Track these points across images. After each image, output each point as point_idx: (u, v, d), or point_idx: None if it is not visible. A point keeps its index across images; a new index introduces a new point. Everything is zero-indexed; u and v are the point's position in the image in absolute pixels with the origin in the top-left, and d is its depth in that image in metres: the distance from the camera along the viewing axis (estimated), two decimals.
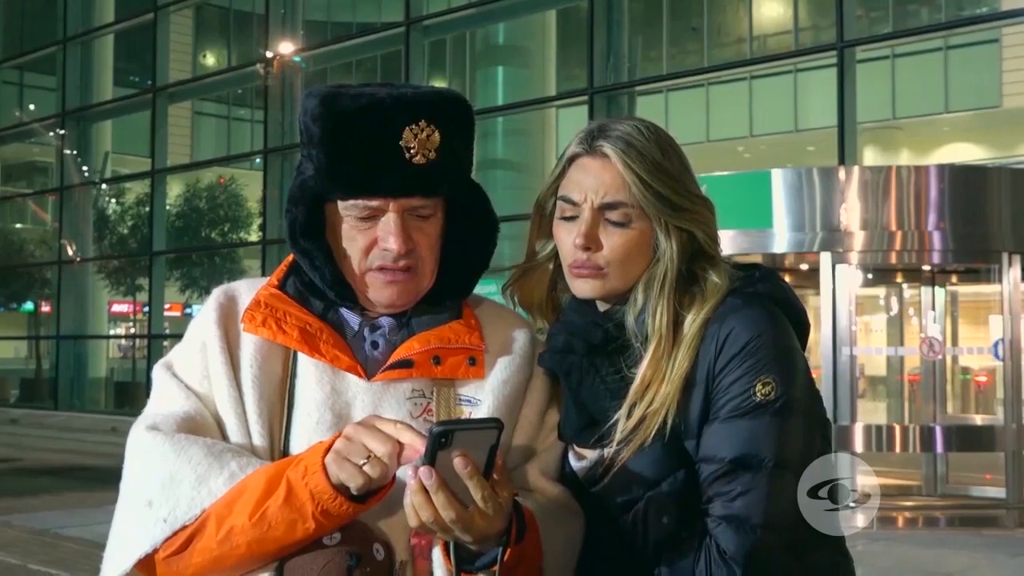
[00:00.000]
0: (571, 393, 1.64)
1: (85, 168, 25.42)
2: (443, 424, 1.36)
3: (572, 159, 1.68)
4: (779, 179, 10.00)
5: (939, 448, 10.06)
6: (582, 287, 1.67)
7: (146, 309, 25.03)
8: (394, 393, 1.62)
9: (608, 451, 1.58)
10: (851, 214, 9.80)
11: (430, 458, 1.35)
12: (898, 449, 9.97)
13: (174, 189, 26.40)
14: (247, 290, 1.72)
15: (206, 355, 1.65)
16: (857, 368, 10.32)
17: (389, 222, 1.60)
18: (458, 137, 1.63)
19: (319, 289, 1.67)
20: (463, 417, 1.63)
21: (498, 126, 18.59)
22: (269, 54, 20.01)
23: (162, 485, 1.52)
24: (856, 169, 10.81)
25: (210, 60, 32.78)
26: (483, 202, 1.74)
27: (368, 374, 1.63)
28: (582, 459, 1.63)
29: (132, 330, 31.94)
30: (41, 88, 28.03)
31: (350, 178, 1.59)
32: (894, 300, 12.23)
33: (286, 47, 20.04)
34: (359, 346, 1.67)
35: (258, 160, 21.53)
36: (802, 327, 1.64)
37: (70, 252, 25.01)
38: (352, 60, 28.41)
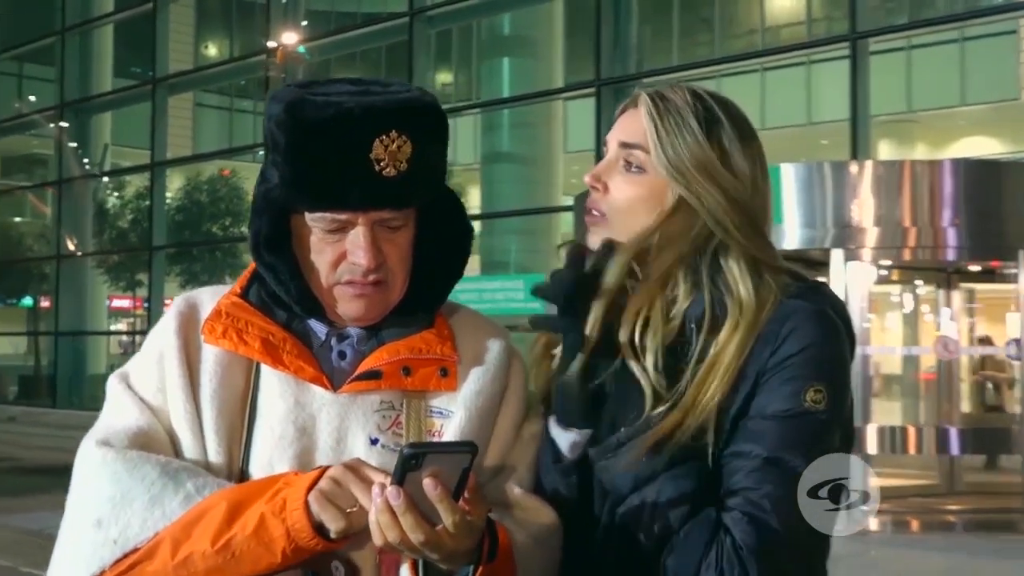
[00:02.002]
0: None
1: (86, 160, 25.44)
2: (414, 446, 1.33)
3: (620, 113, 1.68)
4: (789, 174, 9.95)
5: (954, 450, 10.01)
6: (589, 237, 1.64)
7: (146, 304, 25.04)
8: (361, 405, 1.58)
9: (622, 434, 1.54)
10: (864, 210, 9.75)
11: (399, 478, 1.32)
12: (912, 451, 9.92)
13: (175, 182, 26.42)
14: (210, 298, 1.68)
15: (163, 367, 1.61)
16: (871, 367, 10.28)
17: (358, 235, 1.55)
18: (431, 145, 1.58)
19: (313, 319, 1.64)
20: (434, 429, 1.61)
21: (504, 119, 18.52)
22: (271, 44, 19.98)
23: (113, 504, 1.48)
24: (869, 164, 10.77)
25: (212, 51, 32.81)
26: (457, 208, 1.70)
27: (335, 385, 1.59)
28: (572, 433, 1.60)
29: (133, 325, 31.99)
30: (40, 79, 28.06)
31: (316, 191, 1.54)
32: (908, 298, 12.18)
33: (289, 37, 20.02)
34: (326, 356, 1.63)
35: (260, 153, 21.48)
36: (853, 342, 1.60)
37: (71, 246, 25.04)
38: (356, 51, 28.41)
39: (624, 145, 1.62)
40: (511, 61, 18.45)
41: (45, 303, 28.21)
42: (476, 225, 24.09)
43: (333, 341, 1.64)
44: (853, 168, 10.37)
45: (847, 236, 9.67)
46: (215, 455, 1.56)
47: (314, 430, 1.57)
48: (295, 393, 1.58)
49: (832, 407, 1.50)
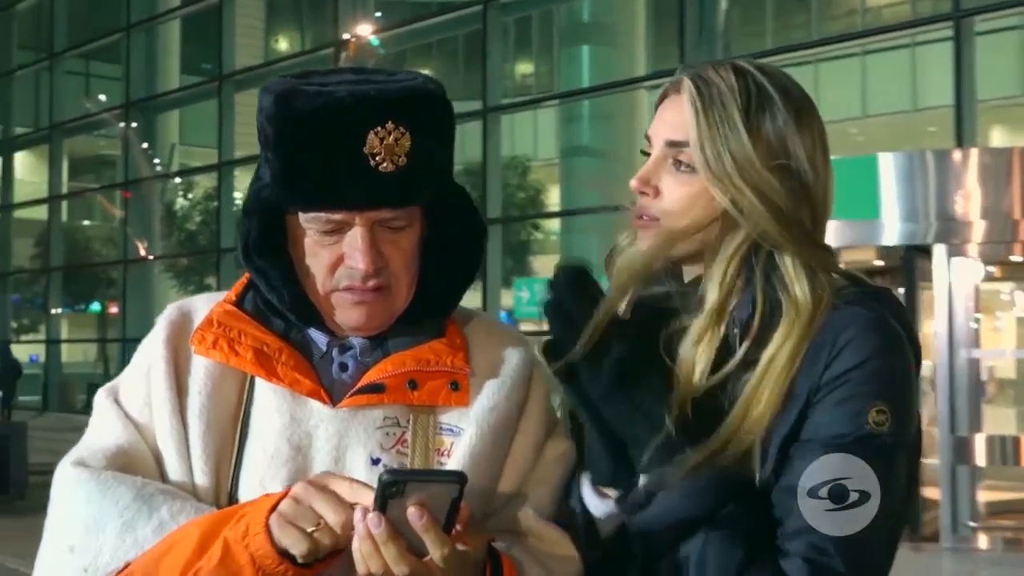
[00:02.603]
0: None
1: (156, 161, 25.92)
2: (393, 473, 1.28)
3: (663, 97, 1.58)
4: (887, 164, 9.74)
5: None
6: (640, 242, 1.55)
7: None
8: (363, 421, 1.52)
9: (645, 480, 1.43)
10: (969, 202, 9.50)
11: (380, 505, 1.26)
12: None
13: (243, 182, 26.80)
14: (204, 306, 1.64)
15: (150, 380, 1.57)
16: (982, 371, 9.99)
17: (356, 237, 1.49)
18: (432, 137, 1.51)
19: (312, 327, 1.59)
20: (443, 448, 1.54)
21: (583, 110, 18.45)
22: (344, 36, 20.15)
23: (85, 529, 1.45)
24: (974, 152, 10.49)
25: (282, 45, 33.23)
26: (468, 206, 1.63)
27: (335, 400, 1.54)
28: (606, 498, 1.50)
29: None
30: (107, 78, 28.66)
31: (308, 188, 1.48)
32: (1020, 296, 11.84)
33: (359, 29, 20.17)
34: (326, 369, 1.57)
35: None
36: (918, 356, 1.49)
37: (142, 251, 25.53)
38: (432, 41, 28.54)
39: (671, 144, 1.52)
40: (591, 49, 18.36)
41: (113, 309, 28.81)
42: (555, 223, 24.12)
43: (335, 352, 1.59)
44: (957, 156, 10.10)
45: (951, 230, 9.43)
46: (201, 475, 1.51)
47: (310, 448, 1.52)
48: (291, 408, 1.53)
49: (897, 429, 1.38)
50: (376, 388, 1.53)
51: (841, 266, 1.54)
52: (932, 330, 9.22)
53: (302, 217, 1.51)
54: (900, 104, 26.01)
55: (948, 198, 9.54)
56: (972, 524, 9.11)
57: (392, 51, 22.18)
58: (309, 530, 1.31)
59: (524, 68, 33.40)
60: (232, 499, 1.51)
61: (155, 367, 1.57)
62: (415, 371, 1.55)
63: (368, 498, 1.30)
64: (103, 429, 1.57)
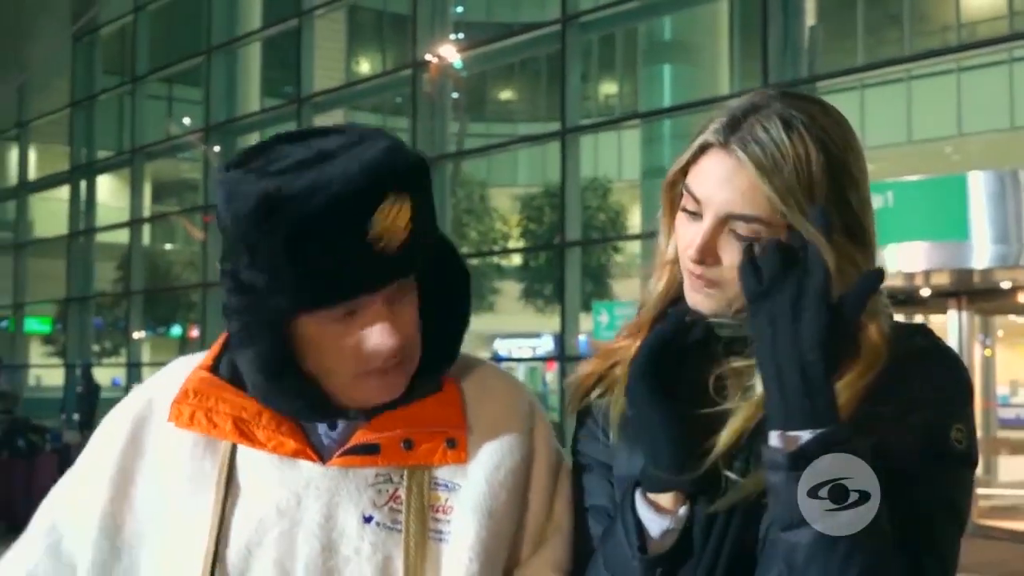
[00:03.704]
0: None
1: None
2: None
3: (703, 148, 1.52)
4: (978, 184, 9.57)
5: None
6: (696, 298, 1.53)
7: None
8: (354, 479, 1.52)
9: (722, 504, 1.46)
10: None
11: None
12: None
13: None
14: (168, 383, 1.62)
15: (92, 488, 1.59)
16: None
17: (376, 317, 1.46)
18: (427, 196, 1.49)
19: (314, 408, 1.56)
20: (439, 504, 1.53)
21: (664, 130, 18.37)
22: (427, 57, 20.32)
23: None
24: None
25: (364, 67, 33.63)
26: (449, 251, 1.62)
27: (324, 457, 1.53)
28: (664, 513, 1.49)
29: None
30: (188, 101, 29.22)
31: (321, 290, 1.43)
32: None
33: (440, 50, 20.33)
34: (312, 427, 1.56)
35: None
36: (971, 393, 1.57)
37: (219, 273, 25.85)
38: (515, 62, 28.66)
39: (736, 218, 1.47)
40: (672, 68, 18.33)
41: (194, 332, 29.28)
42: (636, 246, 23.98)
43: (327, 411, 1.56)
44: None
45: None
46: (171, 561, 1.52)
47: (298, 508, 1.50)
48: (277, 470, 1.53)
49: (971, 448, 1.48)
50: (370, 449, 1.52)
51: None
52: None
53: (310, 314, 1.46)
54: (997, 122, 25.56)
55: None
56: None
57: (473, 72, 22.29)
58: None
59: (607, 88, 33.42)
60: (218, 561, 1.50)
61: (101, 475, 1.58)
62: (410, 432, 1.54)
63: None
64: (21, 547, 1.60)
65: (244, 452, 1.54)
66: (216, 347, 1.63)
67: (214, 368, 1.60)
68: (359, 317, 1.46)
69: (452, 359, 1.62)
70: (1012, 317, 9.89)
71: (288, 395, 1.51)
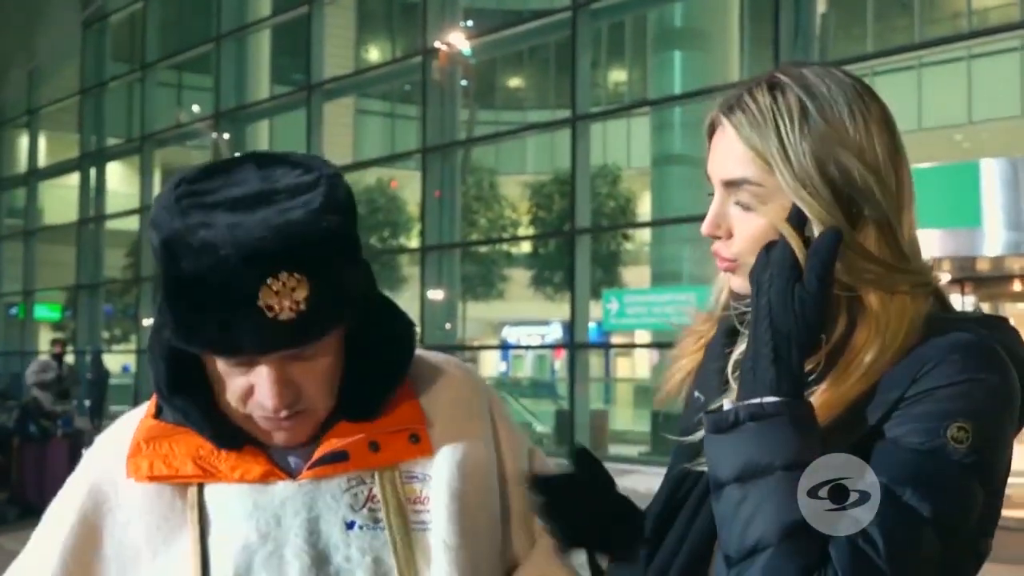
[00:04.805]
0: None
1: None
2: None
3: (711, 129, 1.53)
4: (990, 170, 9.53)
5: None
6: (733, 282, 1.53)
7: None
8: (328, 489, 1.51)
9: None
10: None
11: None
12: None
13: None
14: (114, 443, 1.61)
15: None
16: None
17: (262, 375, 1.46)
18: (332, 273, 1.44)
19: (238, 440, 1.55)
20: (415, 496, 1.54)
21: (675, 117, 18.32)
22: (436, 45, 20.28)
23: None
24: None
25: (373, 54, 33.60)
26: (391, 311, 1.63)
27: (293, 473, 1.53)
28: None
29: None
30: (197, 88, 29.23)
31: (204, 342, 1.43)
32: None
33: (449, 37, 20.30)
34: (271, 448, 1.55)
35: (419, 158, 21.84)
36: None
37: None
38: (523, 48, 28.60)
39: (727, 184, 1.48)
40: (682, 55, 18.28)
41: None
42: (646, 234, 23.93)
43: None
44: None
45: None
46: None
47: (279, 528, 1.49)
48: (249, 497, 1.52)
49: (975, 450, 1.34)
50: (339, 456, 1.52)
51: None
52: None
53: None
54: (1008, 109, 25.46)
55: None
56: None
57: (482, 59, 22.24)
58: None
59: (617, 75, 33.35)
60: None
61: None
62: (374, 433, 1.55)
63: None
64: None
65: (211, 490, 1.53)
66: (155, 396, 1.60)
67: (159, 415, 1.58)
68: (251, 368, 1.46)
69: (394, 385, 1.60)
70: (1022, 305, 9.78)
71: (191, 420, 1.52)
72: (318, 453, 1.53)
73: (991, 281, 10.94)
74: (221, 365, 1.47)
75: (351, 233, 1.49)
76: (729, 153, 1.47)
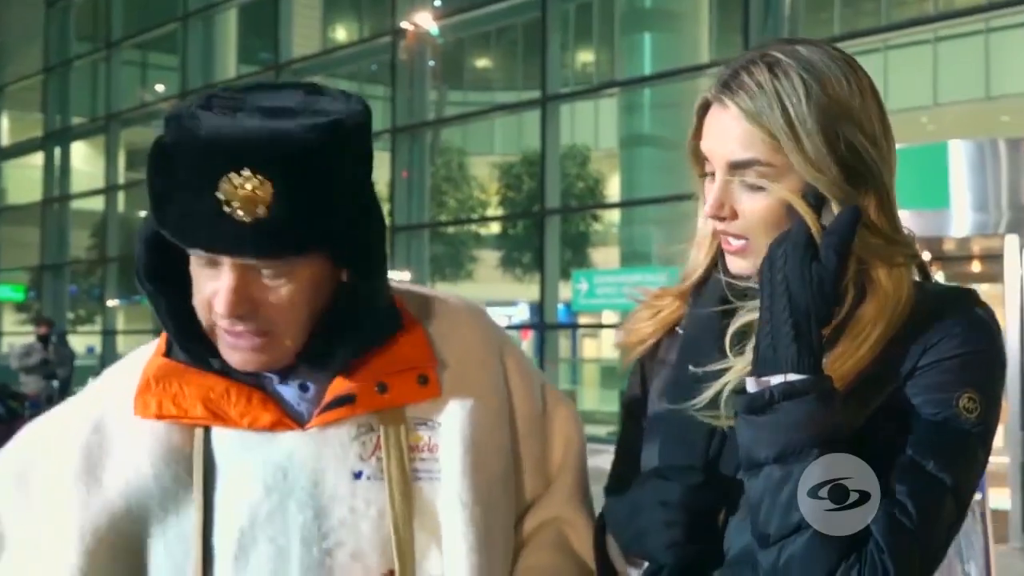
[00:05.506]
0: None
1: None
2: None
3: (704, 108, 1.53)
4: (958, 152, 9.59)
5: None
6: (732, 264, 1.54)
7: None
8: (336, 437, 1.49)
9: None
10: None
11: None
12: None
13: None
14: (121, 377, 1.59)
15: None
16: None
17: (223, 279, 1.42)
18: (308, 185, 1.39)
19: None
20: (421, 444, 1.52)
21: (644, 99, 18.31)
22: (403, 24, 20.15)
23: None
24: None
25: (341, 34, 33.38)
26: (371, 223, 1.54)
27: (303, 422, 1.51)
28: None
29: None
30: (163, 68, 28.96)
31: (168, 223, 1.42)
32: None
33: (417, 17, 20.19)
34: (285, 394, 1.53)
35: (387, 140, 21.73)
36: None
37: None
38: (492, 29, 28.49)
39: (736, 166, 1.48)
40: (652, 36, 18.24)
41: None
42: (615, 214, 23.95)
43: (289, 375, 1.54)
44: None
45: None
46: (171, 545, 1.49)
47: (284, 481, 1.47)
48: (257, 446, 1.49)
49: (983, 419, 1.42)
50: (346, 400, 1.49)
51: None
52: (1003, 323, 9.08)
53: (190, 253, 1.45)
54: (973, 92, 25.63)
55: (1021, 187, 9.39)
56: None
57: (451, 39, 22.12)
58: None
59: (585, 57, 33.28)
60: (208, 546, 1.48)
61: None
62: (382, 373, 1.51)
63: None
64: None
65: (219, 435, 1.51)
66: (165, 333, 1.58)
67: (168, 353, 1.56)
68: (219, 274, 1.43)
69: (375, 312, 1.54)
70: (987, 285, 9.86)
71: (161, 311, 1.49)
72: (327, 398, 1.50)
73: (958, 261, 11.03)
74: (194, 266, 1.45)
75: (344, 166, 1.44)
76: (732, 133, 1.47)
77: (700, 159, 1.57)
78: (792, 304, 1.37)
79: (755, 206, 1.48)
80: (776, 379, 1.36)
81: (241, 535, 1.46)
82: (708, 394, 1.50)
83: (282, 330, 1.46)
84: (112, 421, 1.54)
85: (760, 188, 1.46)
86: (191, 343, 1.50)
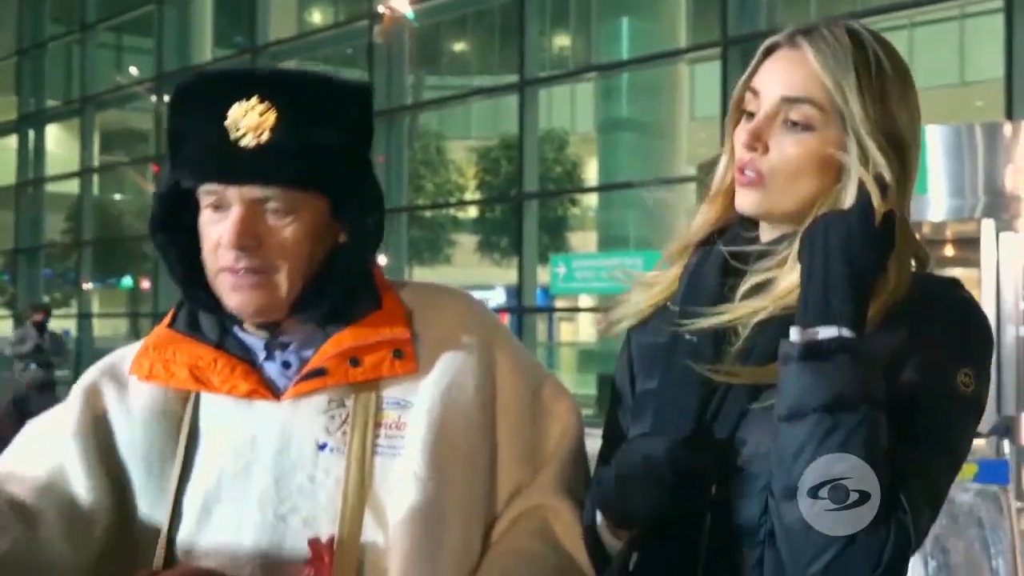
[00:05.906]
0: None
1: None
2: None
3: (769, 51, 1.57)
4: (935, 137, 9.60)
5: None
6: (740, 198, 1.55)
7: None
8: (307, 409, 1.56)
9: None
10: (1020, 176, 9.37)
11: None
12: None
13: None
14: (132, 351, 1.72)
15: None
16: None
17: (231, 216, 1.54)
18: (309, 119, 1.54)
19: (209, 314, 1.63)
20: (389, 421, 1.56)
21: (622, 83, 18.30)
22: (379, 8, 20.06)
23: None
24: None
25: (316, 17, 33.22)
26: (368, 188, 1.63)
27: (280, 394, 1.58)
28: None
29: None
30: (138, 51, 28.77)
31: (183, 161, 1.56)
32: None
33: (390, 1, 20.10)
34: (269, 369, 1.62)
35: None
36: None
37: None
38: (467, 13, 28.41)
39: (788, 100, 1.51)
40: (630, 21, 18.21)
41: (145, 284, 29.00)
42: (592, 199, 23.98)
43: (277, 353, 1.62)
44: (1007, 129, 9.95)
45: (1000, 205, 9.31)
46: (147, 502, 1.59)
47: (252, 448, 1.55)
48: (235, 414, 1.58)
49: (978, 394, 1.48)
50: (318, 373, 1.56)
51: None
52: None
53: (199, 193, 1.57)
54: (947, 78, 25.74)
55: (998, 172, 9.44)
56: (1019, 504, 9.01)
57: (427, 23, 22.03)
58: None
59: (562, 41, 33.23)
60: (177, 508, 1.58)
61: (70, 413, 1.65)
62: (354, 347, 1.57)
63: None
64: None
65: (207, 402, 1.60)
66: (173, 309, 1.71)
67: (173, 323, 1.67)
68: (223, 212, 1.54)
69: (365, 275, 1.65)
70: (962, 270, 9.88)
71: (170, 260, 1.62)
72: (303, 371, 1.57)
73: (935, 245, 11.04)
74: (203, 220, 1.56)
75: (346, 115, 1.58)
76: (798, 71, 1.51)
77: (739, 104, 1.59)
78: (852, 267, 1.39)
79: (789, 146, 1.51)
80: (827, 331, 1.37)
81: (206, 495, 1.56)
82: (709, 321, 1.52)
83: (280, 271, 1.54)
84: (122, 373, 1.67)
85: (807, 128, 1.49)
86: (196, 290, 1.61)
